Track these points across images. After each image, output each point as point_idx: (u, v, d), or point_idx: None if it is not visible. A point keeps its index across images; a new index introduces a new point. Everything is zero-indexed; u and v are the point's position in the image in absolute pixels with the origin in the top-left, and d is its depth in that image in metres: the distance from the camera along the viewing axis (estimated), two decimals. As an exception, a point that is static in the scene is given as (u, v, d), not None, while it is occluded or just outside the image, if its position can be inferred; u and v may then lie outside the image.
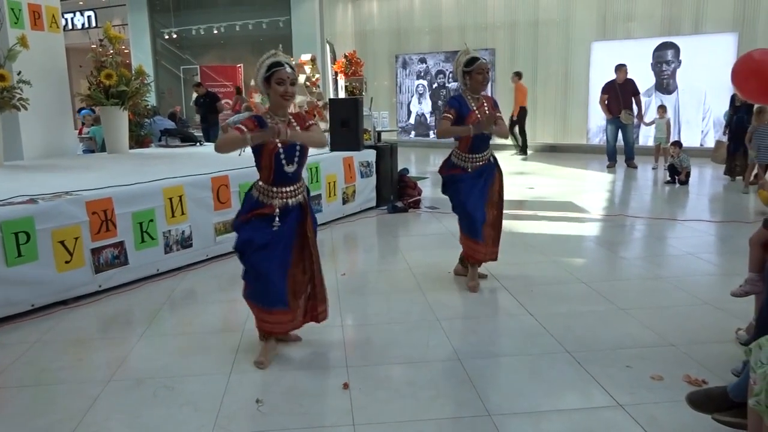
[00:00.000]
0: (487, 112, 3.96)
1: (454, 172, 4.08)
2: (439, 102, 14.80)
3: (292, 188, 2.96)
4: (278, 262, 2.95)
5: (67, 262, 3.86)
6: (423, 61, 15.00)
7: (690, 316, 3.50)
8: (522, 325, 3.45)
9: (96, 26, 17.91)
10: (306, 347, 3.20)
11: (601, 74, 11.84)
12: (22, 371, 3.00)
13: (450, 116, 3.92)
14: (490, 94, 3.92)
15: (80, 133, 11.00)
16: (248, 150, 2.87)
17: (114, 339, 3.50)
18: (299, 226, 3.01)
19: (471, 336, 3.31)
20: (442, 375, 2.85)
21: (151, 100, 11.58)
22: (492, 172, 4.10)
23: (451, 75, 14.51)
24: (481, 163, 4.04)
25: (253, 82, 2.88)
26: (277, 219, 2.90)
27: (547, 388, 2.70)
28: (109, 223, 4.11)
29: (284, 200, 2.93)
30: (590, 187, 8.59)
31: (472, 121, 3.90)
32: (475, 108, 3.95)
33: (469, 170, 4.02)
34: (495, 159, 4.15)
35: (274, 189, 2.92)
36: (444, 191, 4.23)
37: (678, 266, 4.66)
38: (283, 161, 2.88)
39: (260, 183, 2.96)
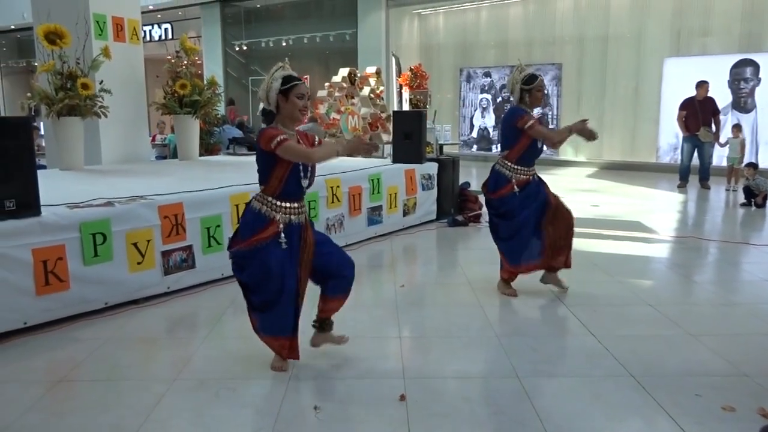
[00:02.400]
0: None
1: (502, 194, 4.04)
2: (503, 116, 14.66)
3: (296, 205, 2.91)
4: (288, 288, 2.86)
5: (138, 263, 4.03)
6: (488, 75, 14.92)
7: (765, 346, 3.32)
8: (584, 345, 3.36)
9: (172, 38, 18.71)
10: (364, 357, 3.22)
11: (674, 91, 11.46)
12: (94, 366, 3.14)
13: (536, 120, 3.92)
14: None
15: (153, 140, 11.49)
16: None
17: (180, 339, 3.63)
18: (301, 249, 2.91)
19: (530, 354, 3.25)
20: (501, 392, 2.81)
21: (221, 109, 11.97)
22: (540, 190, 4.09)
23: (516, 89, 14.35)
24: (526, 177, 4.02)
25: (260, 93, 2.89)
26: (282, 235, 2.84)
27: (610, 413, 2.62)
28: (179, 227, 4.27)
29: (287, 216, 2.88)
30: (659, 207, 8.29)
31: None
32: None
33: (515, 186, 3.99)
34: (538, 177, 4.14)
35: (278, 203, 2.87)
36: (491, 215, 4.22)
37: (753, 292, 4.44)
38: (301, 174, 2.87)
39: (264, 195, 2.90)
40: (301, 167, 2.86)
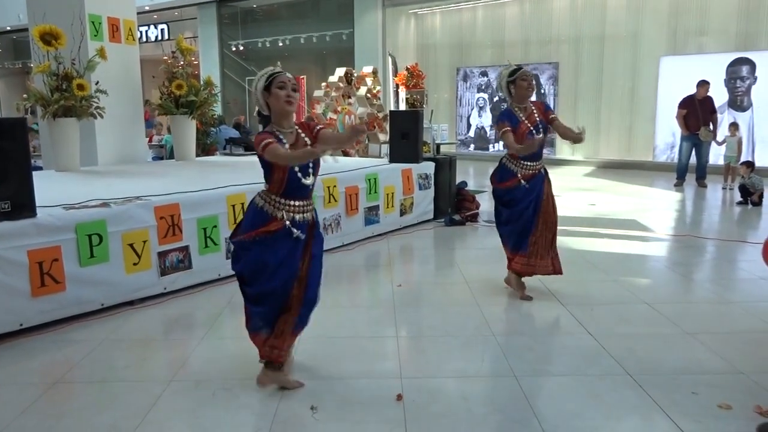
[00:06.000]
0: (537, 119, 4.00)
1: (508, 185, 4.10)
2: (500, 116, 14.68)
3: (301, 203, 2.75)
4: (284, 284, 2.73)
5: (135, 264, 4.02)
6: (484, 74, 14.93)
7: (762, 343, 3.33)
8: (581, 344, 3.36)
9: (168, 38, 18.69)
10: (361, 357, 3.22)
11: (671, 90, 11.49)
12: (90, 368, 3.13)
13: (509, 129, 3.97)
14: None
15: (150, 140, 11.48)
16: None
17: (176, 340, 3.62)
18: (305, 247, 2.79)
19: (527, 353, 3.25)
20: (498, 391, 2.81)
21: (218, 109, 11.95)
22: (542, 184, 4.12)
23: (512, 89, 14.37)
24: (532, 171, 4.06)
25: (255, 97, 2.81)
26: (294, 230, 2.70)
27: (607, 411, 2.62)
28: (175, 228, 4.26)
29: (290, 214, 2.72)
30: (656, 206, 8.30)
31: (522, 131, 3.96)
32: (523, 118, 4.00)
33: (521, 180, 4.04)
34: (546, 171, 4.17)
35: (282, 200, 2.71)
36: (496, 203, 4.27)
37: (749, 291, 4.45)
38: (299, 174, 2.70)
39: (268, 193, 2.74)
40: (297, 166, 2.71)
